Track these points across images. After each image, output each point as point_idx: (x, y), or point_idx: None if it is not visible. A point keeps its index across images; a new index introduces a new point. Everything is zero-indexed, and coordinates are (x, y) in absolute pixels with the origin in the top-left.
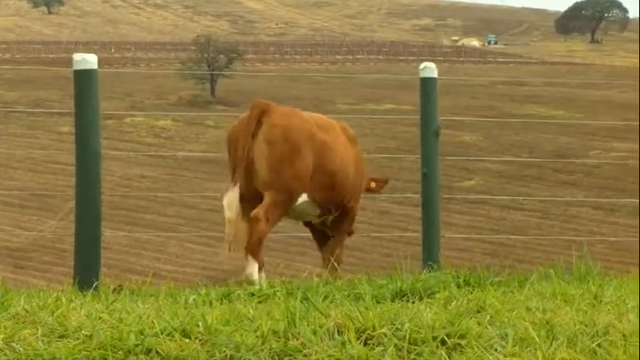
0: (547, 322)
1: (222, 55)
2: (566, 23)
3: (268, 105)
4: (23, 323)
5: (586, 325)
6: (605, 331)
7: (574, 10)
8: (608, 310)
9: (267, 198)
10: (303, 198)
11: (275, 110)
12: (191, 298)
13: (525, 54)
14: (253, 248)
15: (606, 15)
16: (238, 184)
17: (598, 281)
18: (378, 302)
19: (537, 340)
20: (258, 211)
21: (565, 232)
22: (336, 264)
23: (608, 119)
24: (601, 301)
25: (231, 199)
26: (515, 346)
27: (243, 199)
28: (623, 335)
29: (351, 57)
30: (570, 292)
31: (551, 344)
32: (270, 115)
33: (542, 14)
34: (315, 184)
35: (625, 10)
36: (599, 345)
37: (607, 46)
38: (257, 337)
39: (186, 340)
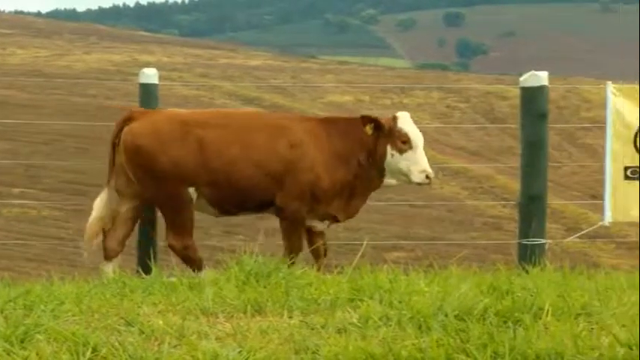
0: None
1: None
2: None
3: (132, 113)
4: None
5: None
6: None
7: None
8: None
9: (164, 216)
10: (191, 192)
11: (136, 117)
12: None
13: None
14: (192, 266)
15: None
16: (108, 188)
17: None
18: None
19: None
20: (169, 241)
21: None
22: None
23: None
24: None
25: (98, 201)
26: None
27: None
28: None
29: None
30: None
31: None
32: (129, 123)
33: None
34: (201, 179)
35: None
36: None
37: None
38: None
39: None
